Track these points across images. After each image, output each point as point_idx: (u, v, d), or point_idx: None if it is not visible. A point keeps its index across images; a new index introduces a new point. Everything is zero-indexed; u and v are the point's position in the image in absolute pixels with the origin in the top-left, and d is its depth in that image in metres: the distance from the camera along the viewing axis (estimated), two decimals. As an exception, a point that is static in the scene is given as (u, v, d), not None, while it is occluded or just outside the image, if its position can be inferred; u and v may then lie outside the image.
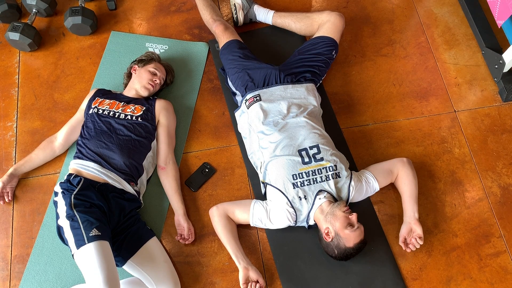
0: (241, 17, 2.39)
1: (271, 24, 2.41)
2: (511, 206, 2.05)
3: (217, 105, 2.28)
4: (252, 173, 2.09)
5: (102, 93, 2.15)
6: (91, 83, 2.34)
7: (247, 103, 2.03)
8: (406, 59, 2.38)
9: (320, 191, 1.83)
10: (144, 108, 2.07)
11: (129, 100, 2.10)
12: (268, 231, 1.98)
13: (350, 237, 1.73)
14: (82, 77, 2.37)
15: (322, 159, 1.85)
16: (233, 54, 2.16)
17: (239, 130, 2.12)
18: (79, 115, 2.12)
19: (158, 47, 2.42)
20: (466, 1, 2.45)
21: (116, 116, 2.02)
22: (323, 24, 2.20)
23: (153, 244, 1.88)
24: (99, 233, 1.66)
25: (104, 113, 2.03)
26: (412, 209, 1.90)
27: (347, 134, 2.19)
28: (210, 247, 1.98)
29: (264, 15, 2.39)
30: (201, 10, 2.37)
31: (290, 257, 1.94)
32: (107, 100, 2.09)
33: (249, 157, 2.05)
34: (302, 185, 1.82)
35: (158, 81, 2.15)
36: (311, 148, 1.87)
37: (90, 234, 1.64)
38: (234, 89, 2.16)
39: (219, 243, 1.97)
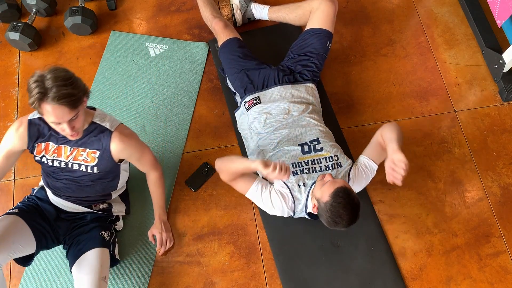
0: (239, 18, 2.39)
1: (268, 19, 2.40)
2: (511, 206, 2.05)
3: (217, 105, 2.28)
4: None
5: (38, 132, 1.64)
6: (91, 83, 2.33)
7: (247, 105, 2.02)
8: (406, 59, 2.38)
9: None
10: (98, 153, 1.66)
11: (76, 141, 1.64)
12: (268, 231, 1.98)
13: (324, 191, 1.65)
14: (82, 77, 2.29)
15: (321, 149, 1.86)
16: (232, 53, 2.16)
17: (239, 130, 2.11)
18: (7, 150, 1.68)
19: (158, 47, 2.42)
20: (466, 1, 2.45)
21: (69, 166, 1.68)
22: (314, 13, 2.15)
23: (91, 256, 1.73)
24: (16, 211, 1.74)
25: (54, 164, 1.68)
26: (392, 146, 1.71)
27: (347, 134, 2.19)
28: (210, 247, 1.98)
29: (260, 12, 2.38)
30: (201, 7, 2.37)
31: (290, 257, 1.94)
32: (52, 145, 1.65)
33: (249, 157, 2.05)
34: (302, 172, 1.82)
35: (69, 131, 1.50)
36: (311, 142, 1.88)
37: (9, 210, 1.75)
38: (233, 89, 2.16)
39: (219, 243, 1.97)
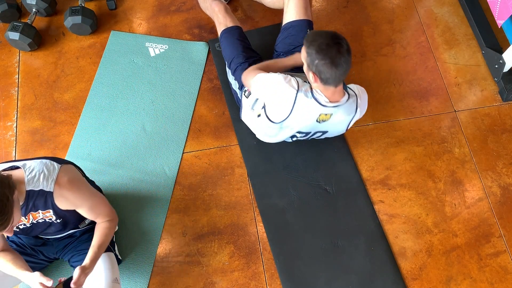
0: None
1: None
2: (511, 206, 2.05)
3: (217, 105, 2.28)
4: (252, 173, 2.09)
5: None
6: (91, 83, 2.33)
7: (246, 92, 2.00)
8: (406, 59, 2.38)
9: None
10: (51, 211, 1.55)
11: (23, 210, 1.50)
12: (268, 231, 1.98)
13: (302, 50, 1.67)
14: (82, 77, 2.37)
15: None
16: (237, 39, 2.12)
17: (247, 125, 2.07)
18: None
19: (158, 47, 2.42)
20: (466, 1, 2.45)
21: (35, 223, 1.58)
22: (287, 5, 2.12)
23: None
24: None
25: (21, 227, 1.59)
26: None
27: (347, 134, 2.19)
28: (210, 247, 1.98)
29: None
30: None
31: (290, 257, 1.94)
32: None
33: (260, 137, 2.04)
34: None
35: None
36: None
37: None
38: (233, 77, 2.12)
39: (219, 243, 1.97)
